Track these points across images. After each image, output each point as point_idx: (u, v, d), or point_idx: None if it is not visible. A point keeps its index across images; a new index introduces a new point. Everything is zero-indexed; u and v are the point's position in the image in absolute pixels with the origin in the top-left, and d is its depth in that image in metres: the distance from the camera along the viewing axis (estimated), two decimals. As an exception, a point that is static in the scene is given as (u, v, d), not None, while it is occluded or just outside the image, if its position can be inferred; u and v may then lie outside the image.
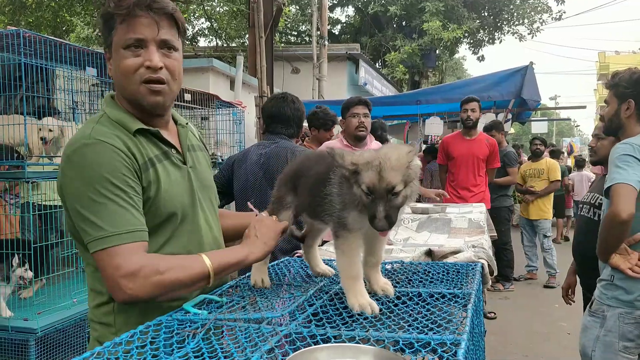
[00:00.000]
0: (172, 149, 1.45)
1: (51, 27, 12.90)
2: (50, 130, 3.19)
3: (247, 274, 1.56)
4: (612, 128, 2.44)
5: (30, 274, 2.78)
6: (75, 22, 13.90)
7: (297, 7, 19.76)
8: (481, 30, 18.92)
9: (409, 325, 1.11)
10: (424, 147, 8.22)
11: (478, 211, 2.85)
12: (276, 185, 1.52)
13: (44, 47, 2.95)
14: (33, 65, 2.88)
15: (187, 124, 1.59)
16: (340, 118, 3.80)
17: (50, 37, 3.07)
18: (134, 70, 1.34)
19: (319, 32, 11.56)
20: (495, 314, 5.51)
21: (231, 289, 1.48)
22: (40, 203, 3.55)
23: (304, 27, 20.04)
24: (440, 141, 7.14)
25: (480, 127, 6.91)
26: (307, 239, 1.53)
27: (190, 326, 1.17)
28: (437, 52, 18.62)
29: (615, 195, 2.08)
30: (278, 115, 2.87)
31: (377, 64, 18.12)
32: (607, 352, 2.21)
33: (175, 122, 1.55)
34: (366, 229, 1.21)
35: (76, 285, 3.26)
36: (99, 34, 13.69)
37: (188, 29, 16.32)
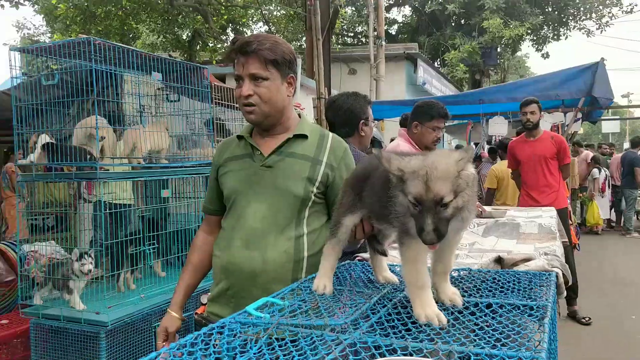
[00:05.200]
0: (257, 151, 1.79)
1: (119, 34, 13.54)
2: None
3: (309, 277, 1.54)
4: None
5: (87, 268, 2.88)
6: (141, 29, 14.53)
7: (354, 9, 19.76)
8: (545, 27, 18.19)
9: (480, 339, 1.05)
10: (487, 147, 7.97)
11: (548, 215, 2.71)
12: (341, 190, 1.50)
13: (113, 54, 3.07)
14: (103, 71, 2.99)
15: (303, 136, 1.80)
16: (415, 122, 3.30)
17: (117, 44, 3.19)
18: (238, 97, 1.77)
19: (375, 33, 11.49)
20: (590, 318, 5.21)
21: (293, 291, 1.46)
22: (110, 202, 3.71)
23: (360, 28, 20.01)
24: (499, 141, 6.91)
25: (545, 126, 6.61)
26: (374, 243, 1.49)
27: (252, 329, 1.16)
28: (499, 50, 18.06)
29: None
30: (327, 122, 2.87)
31: (435, 63, 17.79)
32: None
33: (301, 132, 1.82)
34: None
35: (143, 281, 3.38)
36: (164, 40, 14.27)
37: (246, 33, 16.71)
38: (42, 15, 15.00)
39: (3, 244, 3.70)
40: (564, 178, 5.11)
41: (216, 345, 1.07)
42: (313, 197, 1.77)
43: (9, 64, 2.99)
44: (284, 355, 1.02)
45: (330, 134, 1.89)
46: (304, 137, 1.81)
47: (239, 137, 1.87)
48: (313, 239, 1.78)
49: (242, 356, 1.02)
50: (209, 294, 1.91)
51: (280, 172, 1.76)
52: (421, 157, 1.11)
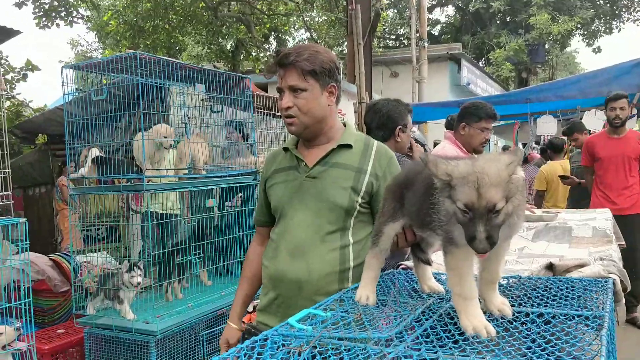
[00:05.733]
0: (302, 163, 1.81)
1: (166, 47, 13.93)
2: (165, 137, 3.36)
3: (352, 287, 1.52)
4: None
5: (136, 280, 2.96)
6: (187, 41, 14.92)
7: (395, 11, 19.60)
8: (596, 20, 17.43)
9: (532, 352, 1.00)
10: (535, 147, 7.71)
11: (603, 218, 2.57)
12: (383, 196, 1.48)
13: (158, 67, 3.15)
14: (149, 84, 3.07)
15: (348, 146, 1.80)
16: (463, 123, 3.22)
17: (162, 57, 3.27)
18: (280, 110, 1.79)
19: (418, 34, 11.35)
20: None
21: (335, 302, 1.44)
22: (158, 212, 3.80)
23: (402, 30, 19.83)
24: (548, 140, 6.63)
25: (598, 125, 6.31)
26: (418, 252, 1.46)
27: (295, 342, 1.14)
28: (546, 46, 17.48)
29: None
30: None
31: (480, 63, 17.40)
32: None
33: (345, 142, 1.82)
34: None
35: (190, 290, 3.44)
36: (209, 51, 14.60)
37: (288, 41, 16.89)
38: (95, 32, 15.68)
39: (58, 255, 3.86)
40: None
41: (259, 358, 1.07)
42: (358, 207, 1.77)
43: (61, 81, 3.12)
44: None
45: (376, 142, 1.88)
46: (349, 146, 1.81)
47: (285, 149, 1.89)
48: (359, 249, 1.76)
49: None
50: (258, 303, 1.92)
51: (324, 182, 1.77)
52: (469, 161, 1.07)
